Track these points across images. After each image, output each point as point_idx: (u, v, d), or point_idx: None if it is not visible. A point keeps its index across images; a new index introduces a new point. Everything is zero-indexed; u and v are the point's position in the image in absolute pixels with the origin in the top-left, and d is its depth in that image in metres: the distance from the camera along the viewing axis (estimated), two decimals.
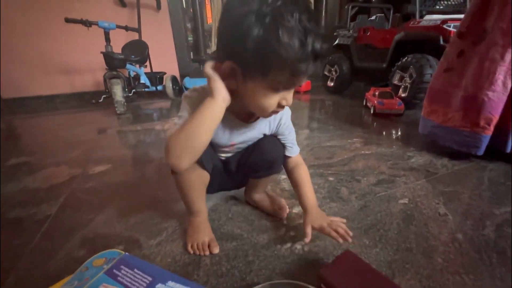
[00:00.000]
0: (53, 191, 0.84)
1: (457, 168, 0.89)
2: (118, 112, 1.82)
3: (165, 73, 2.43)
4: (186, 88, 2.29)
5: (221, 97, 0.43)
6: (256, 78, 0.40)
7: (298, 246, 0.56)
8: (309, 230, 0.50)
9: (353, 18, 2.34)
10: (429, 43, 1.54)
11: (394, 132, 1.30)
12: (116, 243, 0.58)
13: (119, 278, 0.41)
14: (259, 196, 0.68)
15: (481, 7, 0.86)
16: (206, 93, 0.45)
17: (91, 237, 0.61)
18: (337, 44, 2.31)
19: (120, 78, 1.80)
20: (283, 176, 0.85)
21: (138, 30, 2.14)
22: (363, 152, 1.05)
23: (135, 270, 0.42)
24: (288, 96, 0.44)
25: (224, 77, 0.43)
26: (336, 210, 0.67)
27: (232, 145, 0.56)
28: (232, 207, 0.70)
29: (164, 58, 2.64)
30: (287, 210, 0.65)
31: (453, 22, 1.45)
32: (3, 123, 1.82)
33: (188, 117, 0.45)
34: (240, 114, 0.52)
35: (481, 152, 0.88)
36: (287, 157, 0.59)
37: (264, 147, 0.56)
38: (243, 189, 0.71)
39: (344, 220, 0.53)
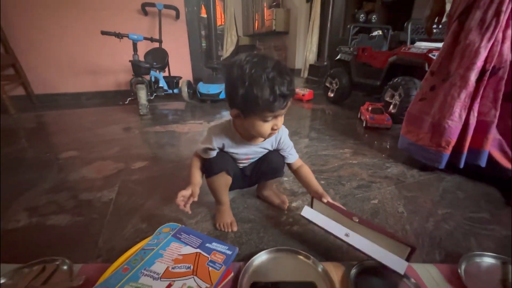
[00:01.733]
0: (107, 180, 1.09)
1: (422, 178, 1.13)
2: (141, 113, 2.06)
3: (181, 77, 2.67)
4: (200, 93, 2.54)
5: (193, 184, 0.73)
6: (251, 117, 0.63)
7: (295, 227, 0.80)
8: (325, 200, 0.71)
9: (356, 34, 2.57)
10: (417, 68, 1.77)
11: (379, 144, 1.54)
12: (166, 221, 0.82)
13: (181, 239, 0.66)
14: (267, 193, 0.92)
15: (448, 54, 1.09)
16: (224, 127, 0.74)
17: (147, 216, 0.86)
18: (338, 59, 2.54)
19: (144, 84, 2.04)
20: (285, 179, 1.09)
21: (160, 41, 2.38)
22: (350, 161, 1.29)
23: (191, 235, 0.67)
24: (277, 122, 0.64)
25: (234, 117, 0.68)
26: None
27: (247, 159, 0.80)
28: (247, 200, 0.95)
29: (180, 64, 2.88)
30: (287, 204, 0.90)
31: (437, 51, 1.68)
32: (37, 118, 2.07)
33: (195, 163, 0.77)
34: (249, 138, 0.75)
35: (442, 166, 1.11)
36: (289, 163, 0.82)
37: (271, 158, 0.80)
38: (255, 187, 0.96)
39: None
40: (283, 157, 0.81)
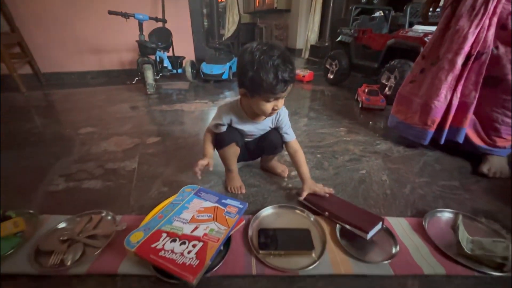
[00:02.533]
0: (127, 153, 1.23)
1: (407, 153, 1.27)
2: (148, 92, 2.16)
3: (184, 57, 2.72)
4: (203, 73, 2.61)
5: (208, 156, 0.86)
6: (255, 97, 0.75)
7: (293, 191, 0.95)
8: (304, 194, 0.87)
9: (358, 15, 2.59)
10: (412, 52, 1.85)
11: (373, 124, 1.66)
12: (184, 185, 0.96)
13: (201, 196, 0.81)
14: (269, 164, 1.07)
15: (438, 38, 1.19)
16: (232, 106, 0.87)
17: (168, 181, 1.00)
18: (339, 40, 2.58)
19: (151, 64, 2.11)
20: (285, 153, 1.23)
21: (164, 21, 2.40)
22: (345, 138, 1.42)
23: (209, 193, 0.82)
24: (277, 103, 0.75)
25: (241, 95, 0.80)
26: (318, 175, 1.06)
27: (251, 135, 0.93)
28: (252, 169, 1.09)
29: (183, 43, 2.90)
30: (287, 172, 1.04)
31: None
32: (47, 97, 2.16)
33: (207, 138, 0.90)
34: (253, 116, 0.87)
35: (426, 142, 1.24)
36: (286, 142, 0.94)
37: (270, 137, 0.92)
38: (259, 160, 1.10)
39: (332, 190, 0.88)
40: (280, 136, 0.93)
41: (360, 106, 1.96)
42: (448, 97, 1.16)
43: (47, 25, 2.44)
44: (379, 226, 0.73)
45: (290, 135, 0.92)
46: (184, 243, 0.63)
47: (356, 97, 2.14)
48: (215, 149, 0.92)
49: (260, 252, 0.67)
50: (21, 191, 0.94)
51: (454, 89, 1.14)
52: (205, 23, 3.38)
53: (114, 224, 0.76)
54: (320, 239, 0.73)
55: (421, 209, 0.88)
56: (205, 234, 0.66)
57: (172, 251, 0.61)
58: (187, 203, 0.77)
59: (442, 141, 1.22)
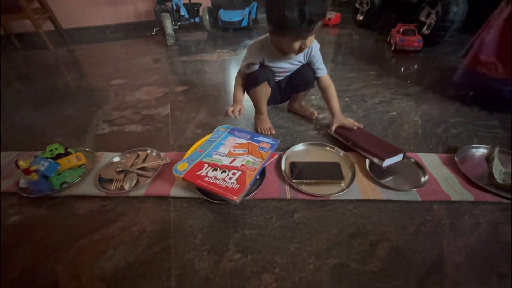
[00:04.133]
0: (159, 100, 1.28)
1: (443, 95, 1.20)
2: (168, 44, 2.12)
3: (201, 4, 2.56)
4: (222, 21, 2.47)
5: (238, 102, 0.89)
6: (282, 35, 0.73)
7: (321, 131, 0.98)
8: (334, 127, 0.90)
9: None
10: None
11: (406, 68, 1.55)
12: (217, 127, 1.02)
13: (235, 134, 0.86)
14: (297, 105, 1.07)
15: None
16: (263, 44, 0.84)
17: (201, 124, 1.06)
18: None
19: (169, 12, 2.02)
20: (313, 97, 1.22)
21: None
22: (375, 82, 1.36)
23: (242, 132, 0.86)
24: (305, 42, 0.72)
25: (269, 32, 0.78)
26: (347, 116, 1.06)
27: (283, 72, 0.92)
28: (280, 113, 1.11)
29: None
30: (315, 114, 1.05)
31: None
32: (71, 52, 2.21)
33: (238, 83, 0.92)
34: (284, 52, 0.84)
35: None
36: (318, 77, 0.93)
37: (303, 71, 0.92)
38: (286, 104, 1.11)
39: (361, 124, 0.90)
40: (313, 71, 0.92)
41: (393, 48, 1.80)
42: None
43: None
44: (399, 157, 0.76)
45: (322, 70, 0.91)
46: (224, 171, 0.70)
47: (388, 39, 1.96)
48: (246, 91, 0.94)
49: (293, 181, 0.73)
50: (73, 135, 1.05)
51: None
52: None
53: (159, 158, 0.85)
54: (350, 170, 0.77)
55: (453, 146, 0.87)
56: (242, 165, 0.72)
57: (215, 177, 0.68)
58: (223, 140, 0.83)
59: None
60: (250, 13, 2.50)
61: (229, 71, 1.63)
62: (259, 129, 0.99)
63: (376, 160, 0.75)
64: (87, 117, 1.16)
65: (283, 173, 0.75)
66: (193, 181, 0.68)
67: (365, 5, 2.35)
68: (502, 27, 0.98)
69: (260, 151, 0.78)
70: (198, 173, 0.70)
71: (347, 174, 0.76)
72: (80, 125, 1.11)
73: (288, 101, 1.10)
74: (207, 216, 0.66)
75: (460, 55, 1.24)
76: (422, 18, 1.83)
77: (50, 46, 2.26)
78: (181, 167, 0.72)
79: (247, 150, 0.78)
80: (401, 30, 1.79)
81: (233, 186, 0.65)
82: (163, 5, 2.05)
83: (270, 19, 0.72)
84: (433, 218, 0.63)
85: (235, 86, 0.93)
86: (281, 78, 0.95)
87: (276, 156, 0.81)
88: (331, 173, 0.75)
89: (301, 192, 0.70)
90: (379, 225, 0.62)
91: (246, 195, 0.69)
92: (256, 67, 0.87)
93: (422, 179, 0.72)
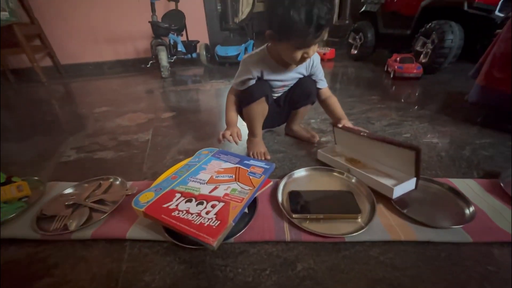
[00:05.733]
0: (141, 126, 1.15)
1: (454, 118, 1.07)
2: (163, 76, 2.09)
3: (198, 41, 2.63)
4: (218, 56, 2.50)
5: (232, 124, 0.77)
6: (284, 41, 0.63)
7: None
8: (343, 122, 0.79)
9: None
10: (454, 9, 1.61)
11: (408, 93, 1.47)
12: None
13: (221, 158, 0.70)
14: (296, 127, 0.93)
15: None
16: (260, 56, 0.74)
17: (183, 150, 0.91)
18: (363, 11, 2.36)
19: (165, 45, 2.04)
20: (313, 120, 1.10)
21: (177, 0, 2.32)
22: (379, 105, 1.25)
23: (229, 155, 0.71)
24: (308, 51, 0.63)
25: (268, 38, 0.66)
26: None
27: (283, 86, 0.81)
28: (276, 137, 0.97)
29: (196, 27, 2.81)
30: (317, 137, 0.91)
31: None
32: (66, 86, 2.17)
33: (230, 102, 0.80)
34: (284, 64, 0.75)
35: None
36: (319, 90, 0.83)
37: (304, 83, 0.81)
38: (283, 127, 0.97)
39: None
40: (315, 82, 0.81)
41: (392, 76, 1.75)
42: None
43: (64, 15, 2.45)
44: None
45: (324, 82, 0.83)
46: (201, 203, 0.52)
47: (386, 69, 1.93)
48: (242, 107, 0.81)
49: (294, 215, 0.55)
50: (33, 163, 0.88)
51: None
52: (219, 8, 3.27)
53: (123, 189, 0.67)
54: (367, 201, 0.59)
55: (490, 170, 0.70)
56: (226, 194, 0.55)
57: (188, 211, 0.50)
58: (205, 164, 0.67)
59: None
60: (246, 49, 2.55)
61: (222, 97, 1.54)
62: (251, 153, 0.83)
63: (406, 150, 0.58)
64: (55, 144, 1.01)
65: (280, 205, 0.57)
66: (157, 217, 0.49)
67: (358, 40, 2.40)
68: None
69: (250, 177, 0.61)
70: (166, 205, 0.52)
71: (363, 205, 0.58)
72: (44, 152, 0.95)
73: (285, 124, 0.97)
74: (174, 268, 0.47)
75: (470, 74, 1.15)
76: (418, 48, 1.82)
77: (43, 79, 2.23)
78: (144, 198, 0.54)
79: (233, 176, 0.61)
80: (398, 58, 1.77)
81: (211, 223, 0.47)
82: (160, 39, 2.07)
83: (272, 23, 0.62)
84: (498, 268, 0.44)
85: (227, 106, 0.80)
86: (279, 94, 0.84)
87: (271, 184, 0.63)
88: (343, 204, 0.57)
89: (305, 231, 0.51)
90: (421, 281, 0.42)
91: (230, 236, 0.50)
92: (253, 82, 0.75)
93: (467, 211, 0.54)
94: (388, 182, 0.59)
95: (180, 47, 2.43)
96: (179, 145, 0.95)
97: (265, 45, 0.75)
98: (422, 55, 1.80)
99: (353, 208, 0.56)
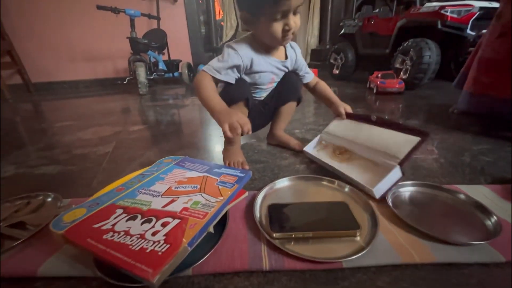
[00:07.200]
0: (104, 139, 1.00)
1: (444, 126, 1.02)
2: (141, 93, 1.98)
3: (181, 60, 2.59)
4: None
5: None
6: (260, 17, 0.57)
7: (313, 166, 0.71)
8: (342, 110, 0.76)
9: (359, 9, 2.48)
10: (428, 28, 1.67)
11: (393, 107, 1.44)
12: None
13: (185, 166, 0.57)
14: (280, 133, 0.83)
15: None
16: (249, 41, 0.65)
17: (147, 162, 0.76)
18: (343, 33, 2.44)
19: (143, 62, 1.96)
20: (297, 130, 1.00)
21: (158, 18, 2.31)
22: None
23: (196, 163, 0.58)
24: (288, 21, 0.56)
25: (244, 21, 0.61)
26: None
27: (272, 82, 0.73)
28: (256, 146, 0.86)
29: (179, 48, 2.80)
30: (302, 147, 0.80)
31: (450, 7, 1.58)
32: (32, 104, 2.00)
33: (207, 88, 0.60)
34: (271, 50, 0.67)
35: None
36: (307, 83, 0.80)
37: (289, 77, 0.74)
38: (265, 136, 0.87)
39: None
40: (299, 78, 0.78)
41: (375, 91, 1.74)
42: None
43: (37, 32, 2.35)
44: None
45: (310, 74, 0.80)
46: (149, 220, 0.39)
47: (368, 85, 1.93)
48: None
49: (274, 235, 0.42)
50: None
51: None
52: (203, 31, 3.32)
53: (55, 208, 0.52)
54: (366, 213, 0.47)
55: (498, 175, 0.62)
56: (184, 209, 0.41)
57: (127, 233, 0.36)
58: (164, 174, 0.53)
59: None
60: None
61: (203, 112, 1.44)
62: (227, 163, 0.71)
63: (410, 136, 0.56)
64: None
65: (257, 222, 0.44)
66: (79, 242, 0.35)
67: (339, 60, 2.45)
68: (496, 44, 0.88)
69: (220, 187, 0.48)
70: (97, 225, 0.38)
71: (362, 219, 0.46)
72: None
73: (266, 128, 0.87)
74: None
75: (453, 85, 1.13)
76: (397, 65, 1.86)
77: (8, 96, 2.05)
78: (71, 217, 0.39)
79: (198, 186, 0.48)
80: (379, 75, 1.78)
81: (156, 248, 0.33)
82: (138, 55, 2.00)
83: (242, 2, 0.59)
84: None
85: (207, 90, 0.60)
86: (268, 92, 0.75)
87: (247, 195, 0.51)
88: (337, 219, 0.45)
89: (289, 255, 0.38)
90: None
91: (186, 266, 0.36)
92: (233, 78, 0.64)
93: (489, 222, 0.44)
94: (372, 177, 0.55)
95: (162, 66, 2.37)
96: (143, 157, 0.81)
97: (249, 33, 0.67)
98: (402, 72, 1.82)
99: (350, 223, 0.44)
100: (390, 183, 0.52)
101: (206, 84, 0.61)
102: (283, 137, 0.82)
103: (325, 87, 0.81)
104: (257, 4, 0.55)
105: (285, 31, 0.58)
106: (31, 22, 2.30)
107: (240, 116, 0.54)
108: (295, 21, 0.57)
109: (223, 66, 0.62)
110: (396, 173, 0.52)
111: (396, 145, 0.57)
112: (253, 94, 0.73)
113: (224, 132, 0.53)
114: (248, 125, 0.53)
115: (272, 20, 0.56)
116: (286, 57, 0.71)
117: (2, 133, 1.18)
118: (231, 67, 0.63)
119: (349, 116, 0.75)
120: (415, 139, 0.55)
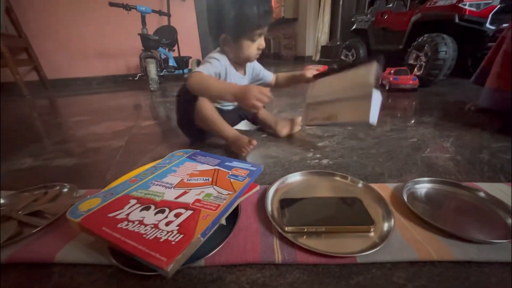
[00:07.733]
0: (117, 134, 1.02)
1: (460, 124, 0.99)
2: (151, 89, 2.01)
3: (190, 57, 2.61)
4: None
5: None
6: (241, 39, 0.69)
7: (324, 161, 0.70)
8: (309, 75, 0.82)
9: (371, 4, 2.42)
10: (445, 23, 1.61)
11: (406, 104, 1.40)
12: None
13: (197, 159, 0.57)
14: (262, 112, 0.91)
15: None
16: (223, 56, 0.75)
17: (159, 156, 0.77)
18: (354, 29, 2.40)
19: (154, 58, 1.98)
20: (307, 127, 0.99)
21: (168, 15, 2.33)
22: None
23: (207, 157, 0.58)
24: (261, 41, 0.71)
25: (223, 43, 0.72)
26: (355, 144, 0.81)
27: None
28: (266, 142, 0.85)
29: (189, 45, 2.82)
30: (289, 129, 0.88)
31: (469, 1, 1.52)
32: (48, 100, 2.06)
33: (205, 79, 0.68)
34: (238, 66, 0.79)
35: None
36: (269, 82, 0.90)
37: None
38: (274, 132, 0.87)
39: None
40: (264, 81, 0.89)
41: (387, 88, 1.70)
42: None
43: (53, 30, 2.42)
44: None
45: (269, 73, 0.89)
46: (162, 211, 0.39)
47: (380, 82, 1.89)
48: (188, 113, 0.78)
49: (287, 229, 0.41)
50: None
51: None
52: None
53: (71, 197, 0.53)
54: (380, 209, 0.46)
55: None
56: (197, 200, 0.41)
57: (141, 222, 0.36)
58: (176, 166, 0.54)
59: None
60: None
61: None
62: (234, 149, 0.74)
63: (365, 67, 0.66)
64: (12, 152, 0.87)
65: (269, 216, 0.44)
66: (95, 230, 0.35)
67: (350, 57, 2.41)
68: None
69: (231, 180, 0.48)
70: (112, 215, 0.38)
71: (376, 214, 0.45)
72: None
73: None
74: None
75: (471, 81, 1.09)
76: (411, 61, 1.80)
77: (25, 93, 2.12)
78: (86, 206, 0.40)
79: (210, 179, 0.48)
80: (392, 71, 1.73)
81: (170, 238, 0.33)
82: (149, 52, 2.02)
83: (224, 27, 0.69)
84: None
85: (212, 80, 0.69)
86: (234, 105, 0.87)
87: (258, 189, 0.50)
88: (351, 214, 0.44)
89: (301, 249, 0.38)
90: None
91: (199, 257, 0.36)
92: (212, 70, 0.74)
93: (510, 221, 0.42)
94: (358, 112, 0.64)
95: (172, 62, 2.40)
96: (155, 152, 0.82)
97: (217, 49, 0.76)
98: (416, 68, 1.77)
99: (364, 218, 0.43)
100: (377, 106, 0.61)
101: (208, 76, 0.69)
102: (266, 116, 0.91)
103: (283, 74, 0.90)
104: (242, 29, 0.67)
105: (258, 50, 0.72)
106: (47, 21, 2.37)
107: (256, 85, 0.62)
108: (263, 40, 0.72)
109: (213, 71, 0.73)
110: (377, 96, 0.61)
111: (363, 75, 0.65)
112: (221, 107, 0.85)
113: (252, 105, 0.59)
114: (267, 90, 0.60)
115: (251, 41, 0.69)
116: (245, 73, 0.83)
117: (20, 127, 1.22)
118: (216, 74, 0.74)
119: (317, 76, 0.81)
120: (373, 64, 0.65)
